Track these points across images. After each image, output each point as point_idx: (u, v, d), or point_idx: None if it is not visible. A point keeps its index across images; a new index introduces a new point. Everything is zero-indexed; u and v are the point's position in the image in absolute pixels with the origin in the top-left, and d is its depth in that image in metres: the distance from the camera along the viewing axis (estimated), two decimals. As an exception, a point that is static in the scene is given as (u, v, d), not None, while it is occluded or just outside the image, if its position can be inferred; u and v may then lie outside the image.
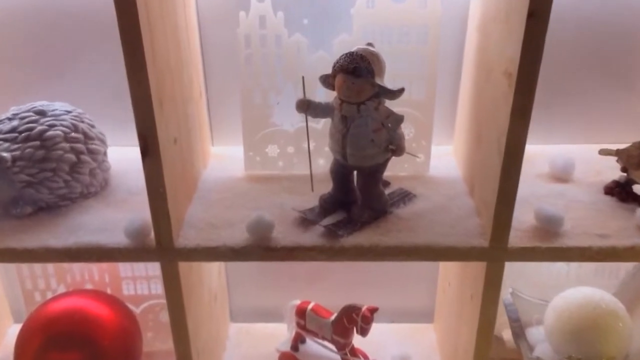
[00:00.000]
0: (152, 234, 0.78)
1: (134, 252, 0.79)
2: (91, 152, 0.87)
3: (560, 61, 0.96)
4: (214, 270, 1.04)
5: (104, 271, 1.06)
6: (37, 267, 1.06)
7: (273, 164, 0.95)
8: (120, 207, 0.87)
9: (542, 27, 0.63)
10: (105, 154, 0.91)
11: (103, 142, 0.91)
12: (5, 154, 0.79)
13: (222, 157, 1.01)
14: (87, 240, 0.79)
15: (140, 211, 0.82)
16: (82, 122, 0.87)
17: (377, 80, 0.73)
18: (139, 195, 0.89)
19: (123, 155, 0.96)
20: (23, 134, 0.82)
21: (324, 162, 0.94)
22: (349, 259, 0.78)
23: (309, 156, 0.81)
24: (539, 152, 0.99)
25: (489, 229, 0.78)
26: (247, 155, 0.95)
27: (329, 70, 0.80)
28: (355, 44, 0.84)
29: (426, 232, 0.80)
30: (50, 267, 1.06)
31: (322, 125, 0.92)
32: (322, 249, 0.78)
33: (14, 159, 0.80)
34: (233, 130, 1.00)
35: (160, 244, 0.78)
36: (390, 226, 0.82)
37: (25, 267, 1.06)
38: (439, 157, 0.98)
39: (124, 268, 1.05)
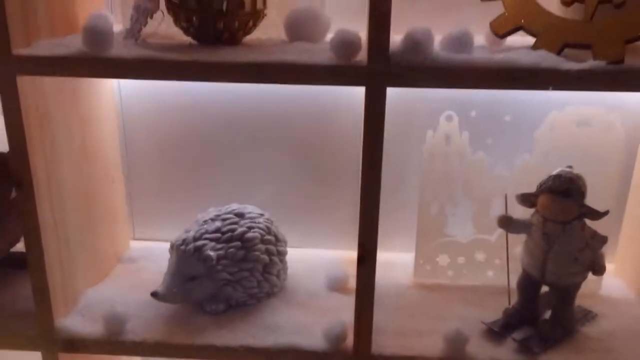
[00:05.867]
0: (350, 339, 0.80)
1: (329, 356, 0.80)
2: (280, 253, 0.92)
3: None
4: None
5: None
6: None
7: (443, 273, 0.97)
8: (304, 309, 0.89)
9: None
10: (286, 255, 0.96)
11: (286, 244, 0.95)
12: (211, 253, 0.84)
13: (389, 264, 1.03)
14: (286, 342, 0.81)
15: (327, 315, 0.85)
16: (272, 224, 0.93)
17: (584, 203, 0.77)
18: (317, 299, 0.92)
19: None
20: (226, 235, 0.87)
21: (492, 274, 0.96)
22: (548, 378, 0.78)
23: (507, 269, 0.83)
24: None
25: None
26: (417, 262, 0.97)
27: (507, 187, 0.87)
28: (536, 165, 0.90)
29: (624, 354, 0.79)
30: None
31: (495, 237, 0.95)
32: (519, 365, 0.78)
33: (219, 258, 0.85)
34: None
35: (357, 350, 0.80)
36: (581, 345, 0.82)
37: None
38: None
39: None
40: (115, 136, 0.99)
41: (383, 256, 1.02)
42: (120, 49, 0.71)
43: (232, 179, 1.05)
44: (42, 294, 0.80)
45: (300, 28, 0.79)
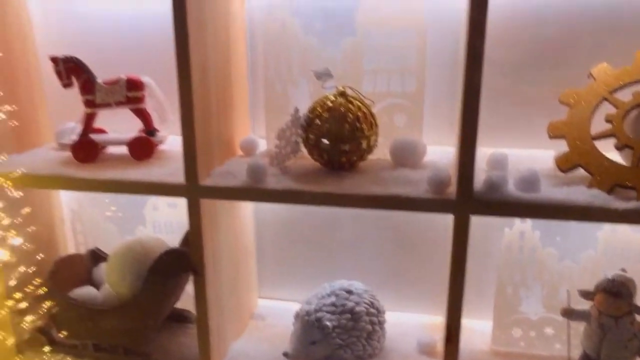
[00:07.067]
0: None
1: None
2: (380, 323, 1.15)
3: None
4: None
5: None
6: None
7: (516, 343, 1.16)
8: (401, 369, 1.12)
9: None
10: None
11: (384, 314, 1.18)
12: (328, 323, 1.09)
13: (472, 331, 1.23)
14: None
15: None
16: (375, 299, 1.16)
17: (634, 302, 0.94)
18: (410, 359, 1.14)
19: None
20: (339, 308, 1.11)
21: (559, 347, 1.14)
22: None
23: (568, 351, 1.02)
24: None
25: None
26: (495, 333, 1.17)
27: (573, 275, 1.08)
28: (599, 259, 1.08)
29: None
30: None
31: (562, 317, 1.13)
32: None
33: (334, 327, 1.09)
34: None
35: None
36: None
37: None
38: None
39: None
40: (251, 224, 1.26)
41: (467, 322, 1.24)
42: (271, 179, 0.97)
43: (336, 255, 1.29)
44: (204, 347, 1.08)
45: (403, 154, 1.02)
